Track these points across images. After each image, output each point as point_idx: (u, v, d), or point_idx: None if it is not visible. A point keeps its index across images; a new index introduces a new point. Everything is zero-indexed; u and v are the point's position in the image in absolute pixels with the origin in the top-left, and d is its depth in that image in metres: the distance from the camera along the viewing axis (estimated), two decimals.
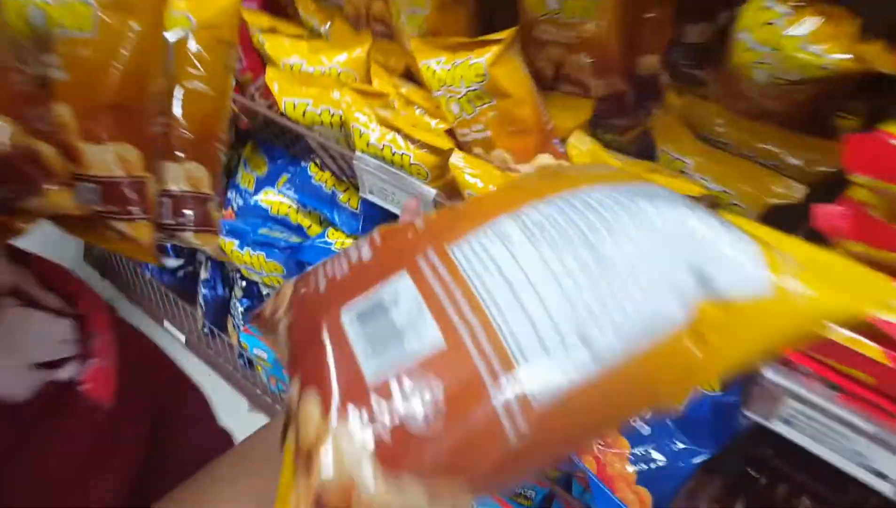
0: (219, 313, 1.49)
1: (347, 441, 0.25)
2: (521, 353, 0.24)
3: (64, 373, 0.35)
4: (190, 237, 0.40)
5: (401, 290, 0.27)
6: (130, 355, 0.40)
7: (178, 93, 0.37)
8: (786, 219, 0.65)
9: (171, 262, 1.57)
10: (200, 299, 1.49)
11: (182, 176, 0.38)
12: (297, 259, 1.01)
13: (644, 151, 0.71)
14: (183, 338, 1.57)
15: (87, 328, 0.38)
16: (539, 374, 0.24)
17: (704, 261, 0.26)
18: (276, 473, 0.32)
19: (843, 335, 0.47)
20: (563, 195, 0.29)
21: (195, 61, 0.38)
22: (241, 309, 1.40)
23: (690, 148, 0.68)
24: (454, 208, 0.31)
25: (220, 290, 1.47)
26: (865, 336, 0.47)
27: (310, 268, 0.33)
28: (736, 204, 0.65)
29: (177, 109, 0.37)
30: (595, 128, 0.73)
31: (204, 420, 0.52)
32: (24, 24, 0.35)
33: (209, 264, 1.47)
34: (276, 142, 1.09)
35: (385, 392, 0.25)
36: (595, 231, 0.27)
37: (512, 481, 0.25)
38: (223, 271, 1.47)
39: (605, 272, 0.26)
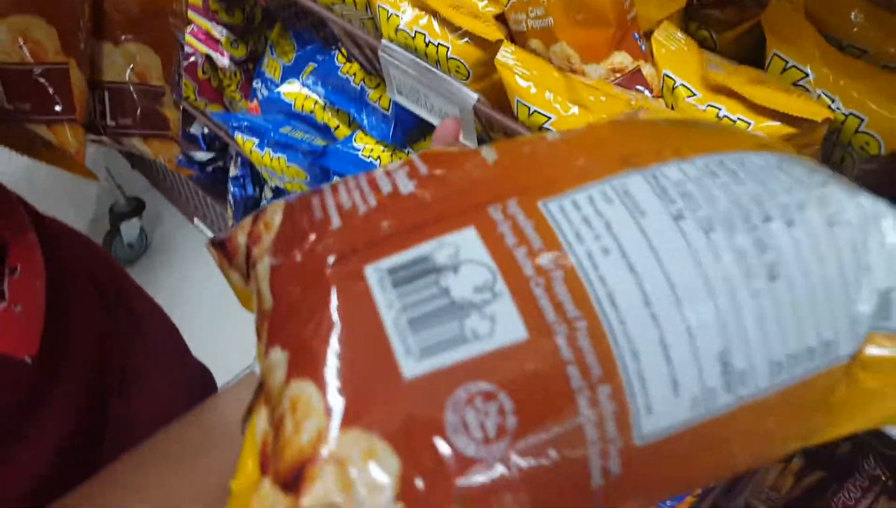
0: (248, 213, 1.43)
1: (361, 460, 0.16)
2: (639, 372, 0.17)
3: None
4: (138, 144, 0.29)
5: (465, 252, 0.19)
6: (67, 284, 0.32)
7: None
8: None
9: (200, 155, 1.49)
10: (230, 198, 1.42)
11: (123, 63, 0.27)
12: (321, 165, 0.90)
13: (751, 54, 0.55)
14: (210, 236, 1.53)
15: (7, 262, 0.30)
16: (655, 402, 0.17)
17: (894, 281, 0.19)
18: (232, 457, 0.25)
19: None
20: (720, 156, 0.20)
21: None
22: None
23: (814, 53, 0.52)
24: (545, 142, 0.22)
25: (249, 189, 1.40)
26: None
27: (315, 189, 0.23)
28: (868, 133, 0.50)
29: None
30: (690, 20, 0.57)
31: (170, 360, 0.45)
32: None
33: (239, 160, 1.38)
34: (299, 24, 0.95)
35: (428, 393, 0.17)
36: (766, 217, 0.18)
37: None
38: (254, 168, 1.39)
39: (770, 276, 0.18)
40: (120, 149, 0.30)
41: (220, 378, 0.53)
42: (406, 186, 0.21)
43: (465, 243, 0.19)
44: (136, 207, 1.57)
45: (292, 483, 0.17)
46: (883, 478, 0.78)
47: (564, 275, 0.18)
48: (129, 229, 1.57)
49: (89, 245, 0.44)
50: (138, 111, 0.27)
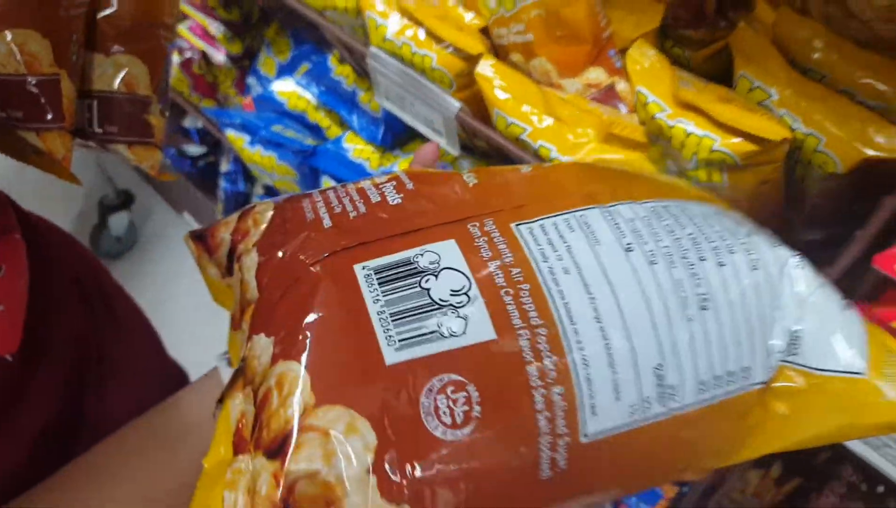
0: (238, 208, 1.44)
1: (343, 433, 0.19)
2: (587, 377, 0.20)
3: None
4: (123, 151, 0.31)
5: (445, 259, 0.22)
6: (50, 284, 0.33)
7: None
8: (877, 176, 0.54)
9: (193, 149, 1.51)
10: (220, 193, 1.43)
11: (112, 73, 0.29)
12: (310, 165, 0.92)
13: (722, 73, 0.58)
14: None
15: None
16: (600, 404, 0.20)
17: (802, 321, 0.23)
18: (206, 445, 0.27)
19: None
20: (665, 203, 0.23)
21: None
22: None
23: (779, 76, 0.55)
24: (518, 173, 0.25)
25: (240, 185, 1.42)
26: None
27: (306, 193, 0.26)
28: (826, 153, 0.53)
29: None
30: (665, 39, 0.60)
31: (146, 359, 0.47)
32: None
33: (231, 155, 1.40)
34: (294, 25, 0.97)
35: (406, 379, 0.19)
36: (701, 256, 0.22)
37: None
38: (246, 164, 1.40)
39: (701, 307, 0.21)
40: (105, 152, 0.32)
41: (208, 369, 0.55)
42: (394, 198, 0.24)
43: (446, 252, 0.21)
44: (126, 200, 1.58)
45: (277, 450, 0.19)
46: (860, 485, 0.82)
47: (530, 288, 0.21)
48: (118, 221, 1.57)
49: (74, 245, 0.46)
50: (125, 119, 0.29)
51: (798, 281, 0.23)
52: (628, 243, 0.22)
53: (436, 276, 0.21)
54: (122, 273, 0.50)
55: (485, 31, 0.59)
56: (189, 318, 1.28)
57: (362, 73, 0.83)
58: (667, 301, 0.21)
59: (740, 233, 0.24)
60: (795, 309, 0.23)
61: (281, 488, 0.18)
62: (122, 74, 0.30)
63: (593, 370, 0.20)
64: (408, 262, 0.21)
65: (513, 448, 0.19)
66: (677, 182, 0.27)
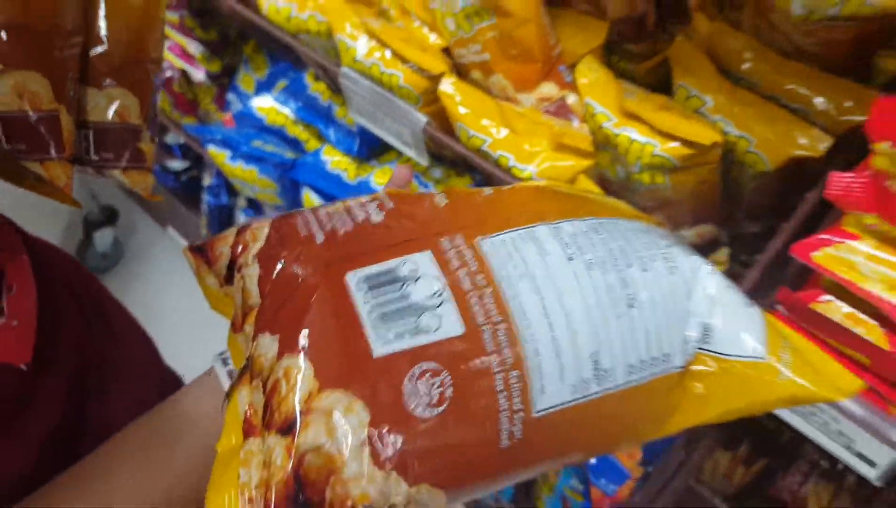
0: (222, 222, 1.48)
1: (343, 413, 0.23)
2: (538, 363, 0.25)
3: None
4: (118, 175, 0.35)
5: (422, 269, 0.26)
6: (52, 299, 0.37)
7: (100, 4, 0.32)
8: (803, 173, 0.60)
9: (176, 164, 1.54)
10: (203, 206, 1.47)
11: (105, 105, 0.34)
12: (290, 177, 0.96)
13: (663, 83, 0.64)
14: (185, 244, 1.57)
15: (5, 282, 0.35)
16: (547, 385, 0.25)
17: (713, 316, 0.28)
18: (203, 442, 0.30)
19: (843, 313, 0.43)
20: (601, 220, 0.29)
21: None
22: (243, 220, 1.38)
23: (712, 84, 0.61)
24: (482, 195, 0.30)
25: (224, 198, 1.45)
26: (866, 314, 0.43)
27: (297, 211, 0.30)
28: (756, 153, 0.59)
29: (100, 25, 0.32)
30: (612, 54, 0.65)
31: (143, 366, 0.51)
32: None
33: (213, 170, 1.43)
34: (270, 47, 1.02)
35: (391, 368, 0.24)
36: (627, 263, 0.27)
37: (487, 484, 0.25)
38: (228, 178, 1.44)
39: (629, 304, 0.26)
40: (101, 178, 0.35)
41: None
42: (376, 215, 0.28)
43: (423, 262, 0.26)
44: (110, 215, 1.60)
45: (288, 429, 0.23)
46: (821, 463, 0.87)
47: (492, 291, 0.25)
48: (103, 238, 1.59)
49: (71, 262, 0.49)
50: (119, 147, 0.33)
51: (709, 284, 0.28)
52: (570, 254, 0.27)
53: (415, 282, 0.25)
54: (109, 289, 0.53)
55: (446, 51, 0.64)
56: (176, 331, 1.31)
57: (336, 89, 0.88)
58: (601, 300, 0.26)
59: (662, 244, 0.29)
60: (707, 306, 0.28)
61: (292, 458, 0.22)
62: (114, 106, 0.34)
63: (542, 357, 0.25)
64: (391, 271, 0.26)
65: (478, 423, 0.24)
66: (616, 203, 0.33)
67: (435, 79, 0.61)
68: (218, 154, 1.02)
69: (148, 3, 0.34)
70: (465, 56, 0.61)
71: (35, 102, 0.30)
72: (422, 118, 0.63)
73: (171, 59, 1.21)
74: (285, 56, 1.05)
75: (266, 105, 0.99)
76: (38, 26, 0.30)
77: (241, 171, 1.01)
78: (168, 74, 1.24)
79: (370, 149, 0.88)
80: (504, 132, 0.57)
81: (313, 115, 0.93)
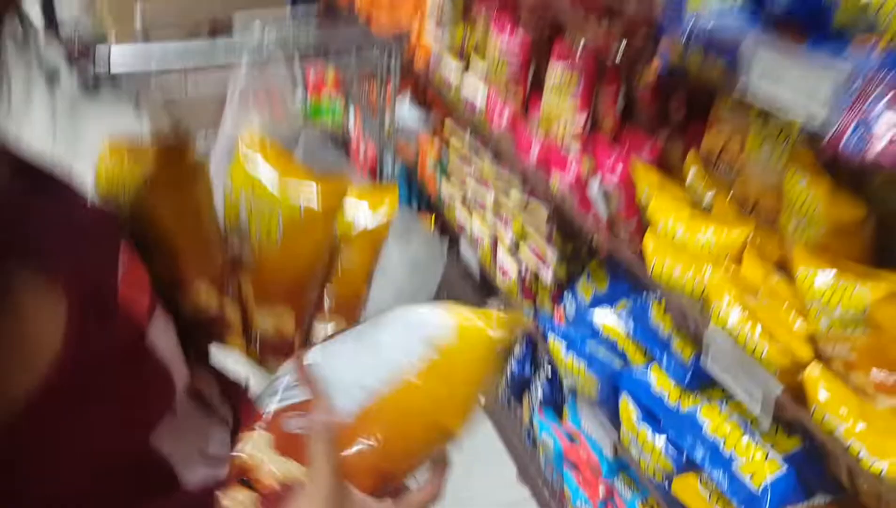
0: (519, 388, 1.70)
1: (264, 448, 0.48)
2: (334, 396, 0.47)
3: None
4: None
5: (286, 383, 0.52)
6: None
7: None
8: None
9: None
10: (507, 370, 1.70)
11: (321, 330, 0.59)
12: (613, 385, 1.13)
13: None
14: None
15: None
16: (342, 406, 0.46)
17: (427, 328, 0.47)
18: None
19: None
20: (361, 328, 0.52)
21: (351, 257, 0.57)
22: (540, 392, 1.58)
23: None
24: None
25: (527, 370, 1.68)
26: None
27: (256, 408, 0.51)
28: None
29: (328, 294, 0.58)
30: None
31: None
32: (233, 219, 0.53)
33: (525, 341, 1.68)
34: (618, 271, 1.24)
35: (276, 417, 0.48)
36: (369, 332, 0.50)
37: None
38: (535, 352, 1.67)
39: (369, 351, 0.49)
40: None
41: None
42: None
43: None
44: None
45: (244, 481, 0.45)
46: None
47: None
48: None
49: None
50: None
51: (423, 310, 0.49)
52: (338, 341, 0.53)
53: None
54: None
55: (810, 337, 0.76)
56: None
57: (685, 329, 1.04)
58: (356, 352, 0.49)
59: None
60: (425, 323, 0.48)
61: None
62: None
63: (336, 381, 0.48)
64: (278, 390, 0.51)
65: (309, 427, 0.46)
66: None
67: (797, 360, 0.73)
68: (556, 343, 1.25)
69: (361, 278, 0.59)
70: (830, 350, 0.72)
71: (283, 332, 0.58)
72: (778, 387, 0.74)
73: (528, 259, 1.54)
74: (625, 279, 1.27)
75: (606, 321, 1.20)
76: (298, 292, 0.59)
77: (571, 363, 1.22)
78: (524, 270, 1.56)
79: (700, 383, 1.01)
80: (861, 426, 0.65)
81: (651, 340, 1.10)
